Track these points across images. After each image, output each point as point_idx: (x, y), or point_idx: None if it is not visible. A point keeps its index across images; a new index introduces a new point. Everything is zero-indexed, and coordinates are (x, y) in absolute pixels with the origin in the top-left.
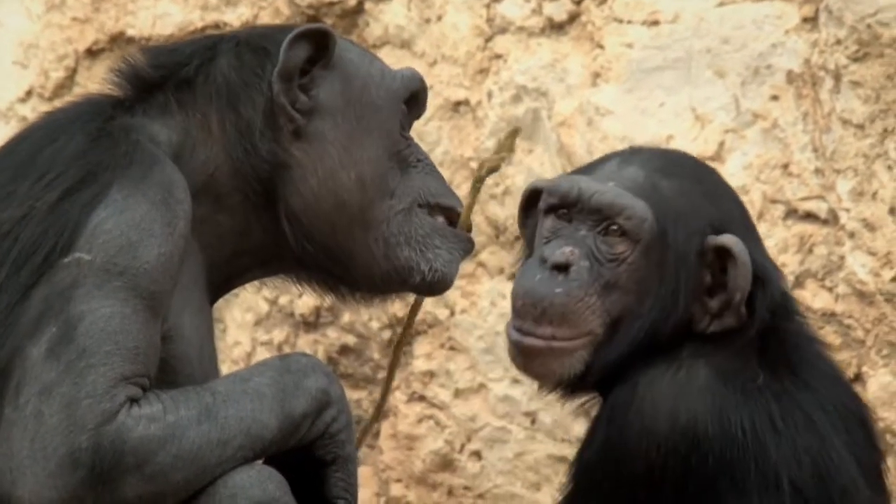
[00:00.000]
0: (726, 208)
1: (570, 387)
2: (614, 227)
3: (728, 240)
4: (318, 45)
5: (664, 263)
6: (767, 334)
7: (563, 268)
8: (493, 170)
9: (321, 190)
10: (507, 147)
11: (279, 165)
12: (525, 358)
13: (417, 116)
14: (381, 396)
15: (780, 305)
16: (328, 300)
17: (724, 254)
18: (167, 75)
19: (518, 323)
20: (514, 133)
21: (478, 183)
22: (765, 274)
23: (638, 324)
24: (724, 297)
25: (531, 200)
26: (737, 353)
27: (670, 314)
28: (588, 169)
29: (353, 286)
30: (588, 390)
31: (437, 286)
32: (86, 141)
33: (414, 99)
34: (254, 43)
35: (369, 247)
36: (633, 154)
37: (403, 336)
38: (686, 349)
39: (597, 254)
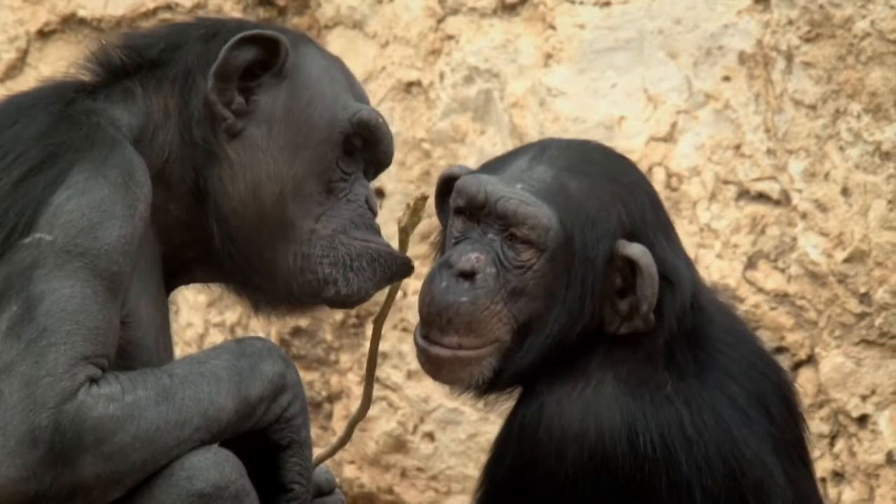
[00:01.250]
0: (638, 208)
1: (482, 389)
2: (519, 235)
3: (635, 251)
4: (269, 50)
5: (571, 269)
6: (676, 336)
7: (468, 275)
8: (415, 225)
9: (247, 196)
10: (419, 209)
11: (212, 157)
12: (433, 366)
13: (377, 161)
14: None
15: (691, 306)
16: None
17: (632, 263)
18: (136, 59)
19: (425, 331)
20: (423, 199)
21: (403, 235)
22: (675, 278)
23: (546, 330)
24: (634, 301)
25: (447, 187)
26: (645, 359)
27: (578, 319)
28: (499, 165)
29: (272, 295)
30: (503, 389)
31: (349, 300)
32: (47, 123)
33: (364, 138)
34: (223, 34)
35: (288, 260)
36: (544, 150)
37: (378, 326)
38: (595, 358)
39: (503, 259)
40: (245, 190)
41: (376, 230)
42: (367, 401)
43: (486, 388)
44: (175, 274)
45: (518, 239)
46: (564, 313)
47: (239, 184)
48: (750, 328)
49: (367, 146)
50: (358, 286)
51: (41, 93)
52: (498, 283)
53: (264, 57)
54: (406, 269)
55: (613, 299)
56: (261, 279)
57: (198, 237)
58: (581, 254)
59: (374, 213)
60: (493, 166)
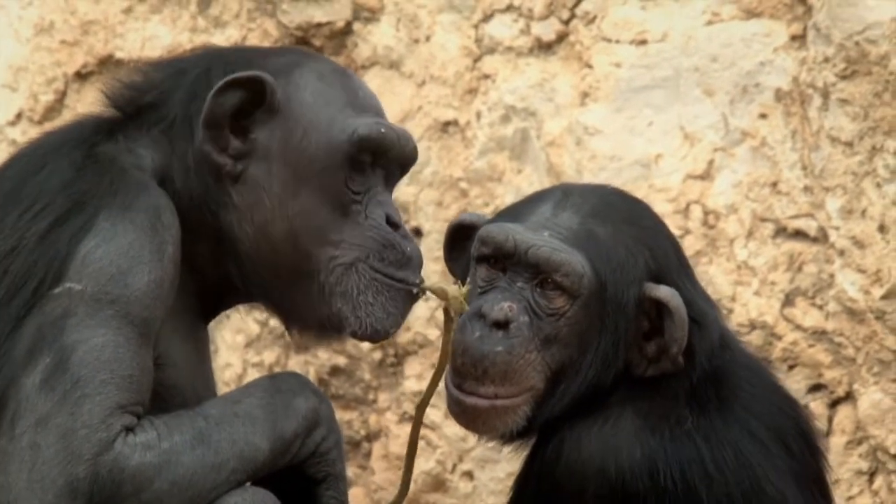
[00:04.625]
0: (661, 250)
1: (513, 437)
2: (552, 282)
3: (664, 293)
4: (255, 90)
5: (603, 315)
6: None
7: (502, 324)
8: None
9: (256, 238)
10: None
11: (220, 202)
12: (468, 417)
13: (396, 165)
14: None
15: (718, 346)
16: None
17: (660, 306)
18: (148, 97)
19: (458, 381)
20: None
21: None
22: (703, 319)
23: (580, 376)
24: (661, 343)
25: (457, 235)
26: (666, 395)
27: (612, 364)
28: (520, 213)
29: (302, 327)
30: (532, 435)
31: (371, 337)
32: (71, 170)
33: (371, 152)
34: (211, 77)
35: (306, 295)
36: (566, 196)
37: (420, 411)
38: (615, 395)
39: (535, 308)
40: (254, 232)
41: (400, 251)
42: (405, 486)
43: (517, 435)
44: (214, 305)
45: (550, 286)
46: (598, 359)
47: (246, 227)
48: (766, 363)
49: (377, 158)
50: (370, 326)
51: (63, 136)
52: (531, 332)
53: (252, 97)
54: (409, 297)
55: (640, 342)
56: (284, 315)
57: (227, 274)
58: (613, 299)
59: (398, 226)
60: (513, 214)
